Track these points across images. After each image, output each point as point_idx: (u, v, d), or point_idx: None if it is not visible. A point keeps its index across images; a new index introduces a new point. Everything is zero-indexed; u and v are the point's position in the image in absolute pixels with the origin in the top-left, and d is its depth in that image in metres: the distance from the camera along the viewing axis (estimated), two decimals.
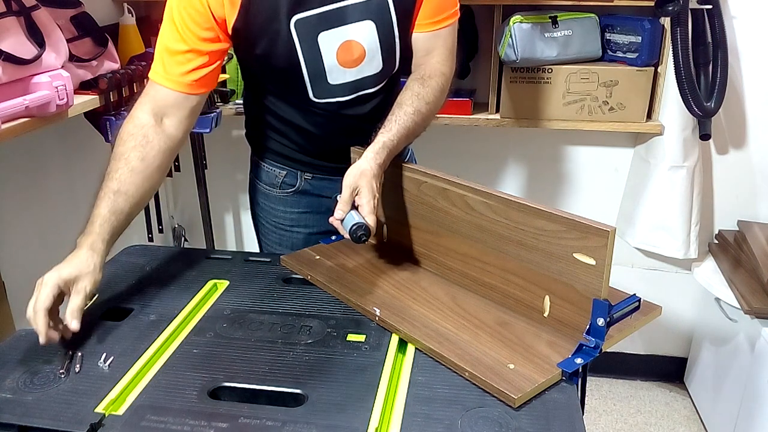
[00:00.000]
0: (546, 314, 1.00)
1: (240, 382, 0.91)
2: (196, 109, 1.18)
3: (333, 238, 1.33)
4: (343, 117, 1.27)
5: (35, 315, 0.94)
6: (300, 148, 1.34)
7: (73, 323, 0.96)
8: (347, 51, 1.18)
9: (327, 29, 1.16)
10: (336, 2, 1.14)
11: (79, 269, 1.00)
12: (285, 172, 1.38)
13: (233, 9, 1.10)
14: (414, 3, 1.19)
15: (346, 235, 1.08)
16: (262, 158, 1.41)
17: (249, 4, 1.10)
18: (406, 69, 1.27)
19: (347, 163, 1.19)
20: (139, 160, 1.11)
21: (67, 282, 0.98)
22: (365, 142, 1.16)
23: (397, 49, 1.23)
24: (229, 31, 1.13)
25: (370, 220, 1.06)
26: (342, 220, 1.08)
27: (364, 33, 1.18)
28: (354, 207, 1.08)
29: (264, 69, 1.21)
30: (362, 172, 1.08)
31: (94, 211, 1.07)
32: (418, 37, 1.22)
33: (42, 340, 0.94)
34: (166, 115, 1.15)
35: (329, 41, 1.17)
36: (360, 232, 1.05)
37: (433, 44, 1.23)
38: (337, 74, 1.21)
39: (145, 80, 1.19)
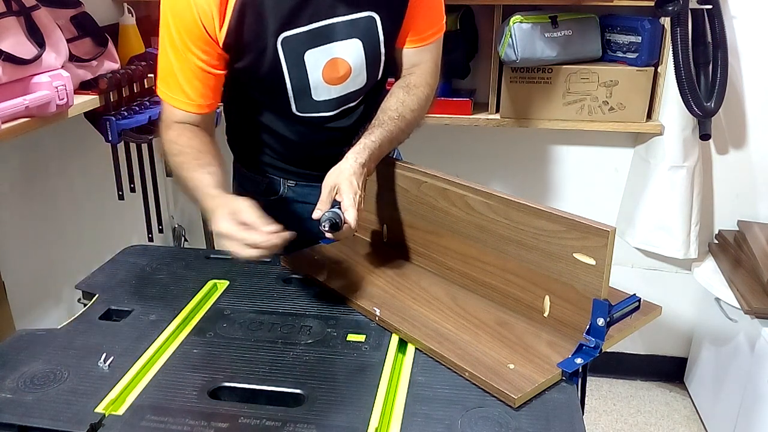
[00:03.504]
0: (546, 314, 1.01)
1: (240, 382, 0.91)
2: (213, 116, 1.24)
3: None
4: (326, 129, 1.26)
5: (267, 240, 0.96)
6: (282, 156, 1.33)
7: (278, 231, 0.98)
8: (333, 68, 1.18)
9: (314, 47, 1.15)
10: (324, 20, 1.13)
11: (237, 203, 1.02)
12: (268, 180, 1.37)
13: (222, 26, 1.10)
14: (401, 21, 1.19)
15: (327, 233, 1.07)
16: (244, 165, 1.40)
17: (237, 21, 1.10)
18: (388, 79, 1.28)
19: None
20: (200, 142, 1.15)
21: (236, 215, 1.00)
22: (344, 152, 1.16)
23: (381, 64, 1.23)
24: (221, 45, 1.13)
25: (350, 214, 1.04)
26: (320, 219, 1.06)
27: (351, 51, 1.17)
28: (336, 205, 1.07)
29: (247, 80, 1.20)
30: (340, 171, 1.08)
31: (200, 185, 1.08)
32: (405, 53, 1.23)
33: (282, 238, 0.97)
34: (193, 124, 1.19)
35: (316, 59, 1.16)
36: (323, 222, 1.03)
37: (420, 59, 1.24)
38: (321, 91, 1.20)
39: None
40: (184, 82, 1.14)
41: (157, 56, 1.57)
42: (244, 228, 0.98)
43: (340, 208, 1.06)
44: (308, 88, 1.19)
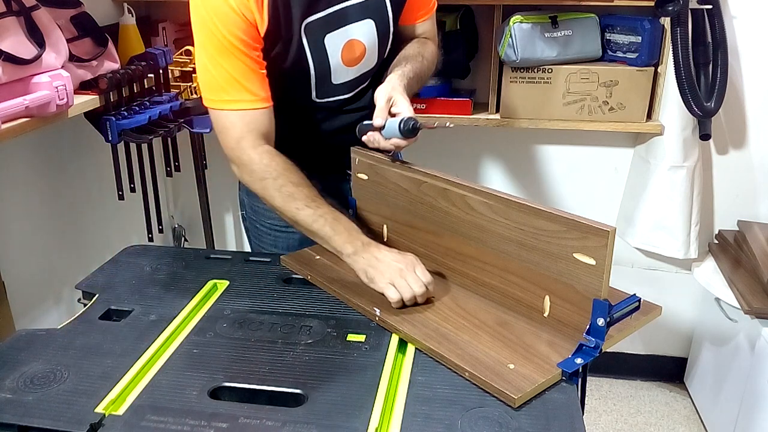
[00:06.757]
0: (546, 314, 1.01)
1: (240, 382, 0.91)
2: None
3: None
4: (343, 113, 1.30)
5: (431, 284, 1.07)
6: (298, 147, 1.34)
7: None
8: (350, 50, 1.22)
9: (332, 30, 1.19)
10: (340, 3, 1.17)
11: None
12: None
13: (262, 18, 1.12)
14: None
15: (384, 144, 1.13)
16: None
17: (273, 11, 1.12)
18: (391, 57, 1.33)
19: (342, 163, 1.25)
20: (292, 168, 1.17)
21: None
22: (359, 138, 1.20)
23: (389, 42, 1.28)
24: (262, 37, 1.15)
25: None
26: (382, 129, 1.13)
27: (365, 31, 1.21)
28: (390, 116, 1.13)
29: (271, 72, 1.22)
30: (393, 87, 1.15)
31: (340, 226, 1.14)
32: (418, 26, 1.32)
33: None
34: (268, 135, 1.19)
35: (334, 42, 1.20)
36: (412, 122, 1.09)
37: (426, 27, 1.34)
38: (340, 73, 1.24)
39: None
40: (244, 80, 1.14)
41: (155, 58, 1.54)
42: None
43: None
44: (329, 73, 1.23)
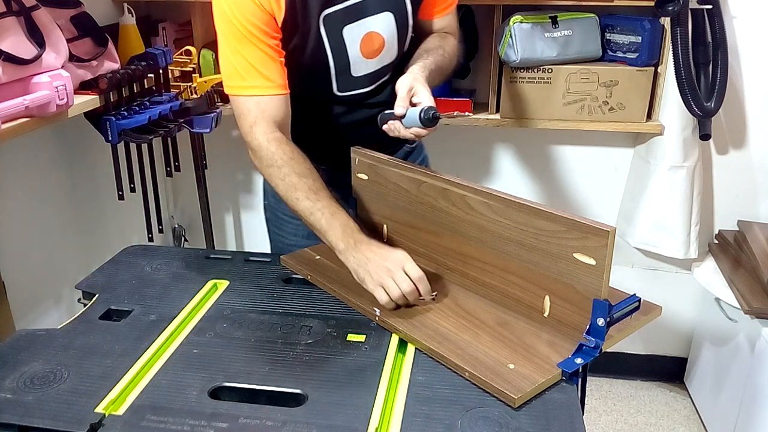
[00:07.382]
0: (546, 314, 1.01)
1: (240, 382, 0.91)
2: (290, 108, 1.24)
3: None
4: (364, 107, 1.31)
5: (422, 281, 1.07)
6: (316, 142, 1.34)
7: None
8: (369, 42, 1.23)
9: (351, 22, 1.20)
10: None
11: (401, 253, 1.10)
12: None
13: (280, 8, 1.15)
14: None
15: (405, 133, 1.14)
16: None
17: (290, 2, 1.14)
18: (412, 50, 1.33)
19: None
20: (305, 167, 1.18)
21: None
22: (381, 132, 1.21)
23: (408, 36, 1.29)
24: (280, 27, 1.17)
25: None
26: (403, 117, 1.13)
27: (384, 24, 1.23)
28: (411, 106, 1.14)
29: (292, 64, 1.23)
30: (415, 77, 1.15)
31: (336, 222, 1.13)
32: (435, 21, 1.33)
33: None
34: (281, 123, 1.20)
35: (352, 34, 1.22)
36: (432, 111, 1.10)
37: (446, 23, 1.35)
38: (359, 66, 1.26)
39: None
40: (261, 67, 1.17)
41: (166, 61, 1.52)
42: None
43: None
44: (348, 65, 1.25)
